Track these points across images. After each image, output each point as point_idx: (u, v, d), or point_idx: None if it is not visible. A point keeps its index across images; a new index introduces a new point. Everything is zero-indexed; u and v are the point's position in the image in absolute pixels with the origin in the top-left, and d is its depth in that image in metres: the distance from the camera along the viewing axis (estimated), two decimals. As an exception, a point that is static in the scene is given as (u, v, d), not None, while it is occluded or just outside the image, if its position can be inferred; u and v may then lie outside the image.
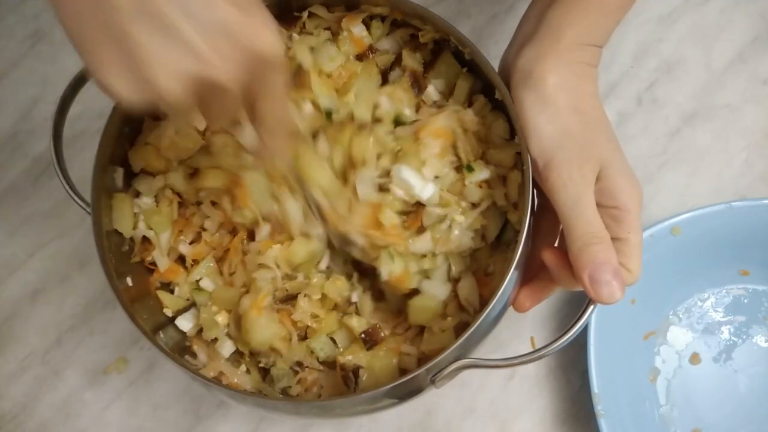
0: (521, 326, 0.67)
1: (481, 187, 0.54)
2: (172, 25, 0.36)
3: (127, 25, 0.36)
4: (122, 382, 0.67)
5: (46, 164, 0.73)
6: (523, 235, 0.48)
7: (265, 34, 0.39)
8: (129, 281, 0.56)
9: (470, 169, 0.54)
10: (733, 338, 0.66)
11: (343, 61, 0.57)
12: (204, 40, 0.37)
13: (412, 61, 0.57)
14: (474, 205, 0.54)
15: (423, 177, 0.53)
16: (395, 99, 0.56)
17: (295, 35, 0.58)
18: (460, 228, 0.53)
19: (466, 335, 0.47)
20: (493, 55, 0.75)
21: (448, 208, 0.53)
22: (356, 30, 0.57)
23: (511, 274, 0.48)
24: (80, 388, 0.67)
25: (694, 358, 0.66)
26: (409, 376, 0.47)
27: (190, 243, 0.59)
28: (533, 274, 0.53)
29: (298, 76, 0.55)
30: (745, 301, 0.67)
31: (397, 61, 0.59)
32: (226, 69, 0.38)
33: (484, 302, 0.53)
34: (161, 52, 0.37)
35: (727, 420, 0.64)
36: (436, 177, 0.54)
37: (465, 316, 0.55)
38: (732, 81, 0.74)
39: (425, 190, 0.53)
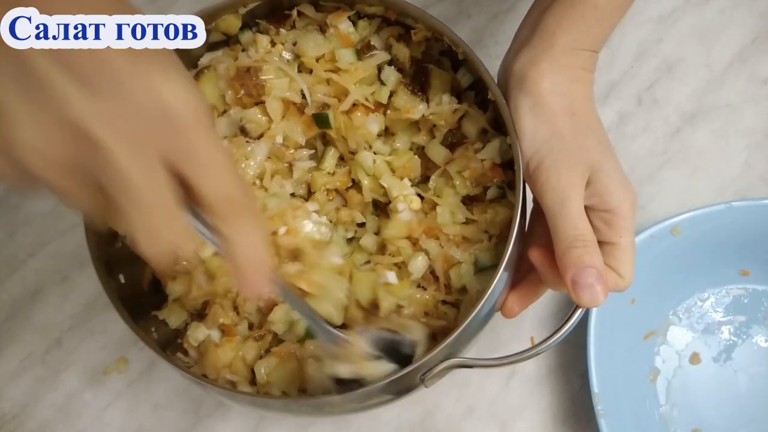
0: (521, 326, 0.67)
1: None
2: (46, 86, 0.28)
3: None
4: (122, 382, 0.67)
5: (46, 164, 0.73)
6: (513, 235, 0.47)
7: (169, 84, 0.30)
8: (121, 278, 0.55)
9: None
10: (733, 338, 0.66)
11: (329, 49, 0.57)
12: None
13: (402, 52, 0.57)
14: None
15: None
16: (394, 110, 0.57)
17: (282, 30, 0.58)
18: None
19: (454, 335, 0.47)
20: (494, 55, 0.75)
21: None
22: (342, 26, 0.57)
23: (501, 274, 0.47)
24: (80, 388, 0.67)
25: (694, 358, 0.66)
26: (396, 375, 0.47)
27: None
28: (521, 276, 0.53)
29: (245, 79, 0.55)
30: (745, 301, 0.67)
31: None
32: (124, 151, 0.29)
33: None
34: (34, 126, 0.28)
35: (727, 420, 0.64)
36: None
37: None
38: (732, 81, 0.74)
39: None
